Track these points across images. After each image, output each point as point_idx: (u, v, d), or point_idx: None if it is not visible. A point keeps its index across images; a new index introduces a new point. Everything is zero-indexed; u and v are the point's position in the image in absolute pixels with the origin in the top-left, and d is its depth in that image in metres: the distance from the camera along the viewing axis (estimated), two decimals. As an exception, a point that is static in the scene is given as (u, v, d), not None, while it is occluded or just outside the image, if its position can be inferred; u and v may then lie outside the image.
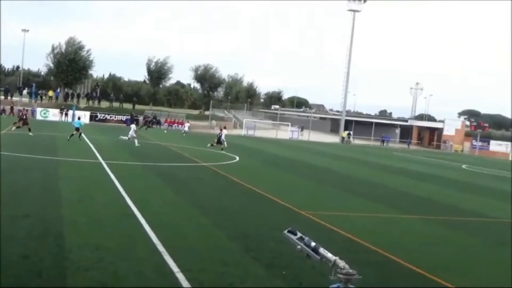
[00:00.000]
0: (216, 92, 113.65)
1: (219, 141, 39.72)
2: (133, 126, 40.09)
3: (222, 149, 38.21)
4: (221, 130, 42.75)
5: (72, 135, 36.05)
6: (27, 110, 45.69)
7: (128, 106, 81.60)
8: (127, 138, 37.85)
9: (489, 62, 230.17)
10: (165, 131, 62.52)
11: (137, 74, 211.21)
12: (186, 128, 60.25)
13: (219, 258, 10.48)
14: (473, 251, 13.54)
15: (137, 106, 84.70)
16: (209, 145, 39.35)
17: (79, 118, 44.28)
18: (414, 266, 11.07)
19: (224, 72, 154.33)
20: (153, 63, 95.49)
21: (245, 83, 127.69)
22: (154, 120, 71.34)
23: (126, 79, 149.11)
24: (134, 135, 38.07)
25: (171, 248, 10.56)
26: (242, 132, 75.06)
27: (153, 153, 32.63)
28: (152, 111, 78.39)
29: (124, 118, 69.64)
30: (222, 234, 12.64)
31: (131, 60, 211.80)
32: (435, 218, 17.98)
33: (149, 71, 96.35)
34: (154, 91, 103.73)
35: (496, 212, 20.83)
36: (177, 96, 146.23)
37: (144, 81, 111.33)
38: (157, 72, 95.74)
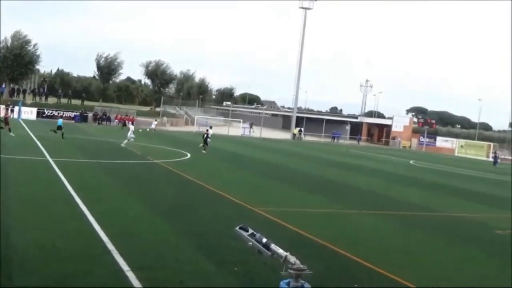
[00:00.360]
0: (167, 89, 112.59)
1: (206, 142, 38.90)
2: (131, 127, 39.79)
3: (204, 149, 38.01)
4: (207, 130, 42.45)
5: (55, 132, 38.10)
6: (10, 110, 45.74)
7: (77, 102, 79.87)
8: (127, 140, 37.18)
9: (435, 59, 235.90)
10: (140, 130, 61.38)
11: (87, 69, 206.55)
12: (153, 126, 60.36)
13: (170, 255, 10.41)
14: (418, 244, 13.88)
15: (86, 102, 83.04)
16: (201, 145, 38.70)
17: (61, 117, 47.36)
18: (362, 260, 11.28)
19: (176, 68, 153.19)
20: (103, 59, 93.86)
21: (196, 79, 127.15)
22: (104, 116, 70.18)
23: (75, 74, 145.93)
24: (133, 136, 37.88)
25: (121, 246, 10.42)
26: (194, 129, 74.72)
27: (103, 150, 32.10)
28: (102, 107, 77.01)
29: (73, 114, 68.21)
30: (173, 231, 12.56)
31: (80, 55, 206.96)
32: (383, 212, 18.36)
33: (99, 67, 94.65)
34: (104, 87, 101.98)
35: (442, 206, 21.41)
36: (127, 92, 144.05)
37: (94, 76, 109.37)
38: (107, 68, 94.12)
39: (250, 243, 4.35)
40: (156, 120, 65.28)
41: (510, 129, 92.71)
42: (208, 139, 39.09)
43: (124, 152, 32.89)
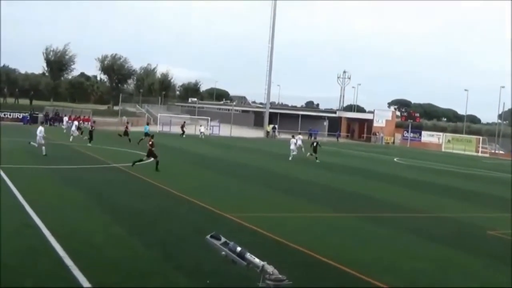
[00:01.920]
0: (126, 85, 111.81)
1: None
2: (297, 141, 42.15)
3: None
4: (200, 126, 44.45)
5: (142, 139, 43.72)
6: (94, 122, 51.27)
7: (24, 102, 78.72)
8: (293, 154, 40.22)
9: (417, 49, 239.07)
10: (184, 136, 62.70)
11: (36, 66, 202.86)
12: (203, 130, 62.63)
13: (136, 269, 10.36)
14: (403, 248, 14.06)
15: (36, 102, 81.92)
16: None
17: (148, 124, 52.29)
18: (344, 266, 11.39)
19: (135, 63, 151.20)
20: (52, 53, 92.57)
21: (158, 75, 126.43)
22: (56, 117, 69.32)
23: (22, 71, 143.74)
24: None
25: (81, 261, 10.34)
26: (157, 128, 74.29)
27: (57, 155, 31.71)
28: (54, 107, 76.06)
29: (21, 115, 67.26)
30: (138, 242, 12.50)
31: (27, 49, 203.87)
32: (365, 215, 18.53)
33: (48, 62, 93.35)
34: (55, 84, 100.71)
35: (427, 206, 21.71)
36: (82, 90, 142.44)
37: (43, 73, 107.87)
38: (57, 63, 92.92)
39: (223, 252, 4.38)
40: (202, 126, 67.58)
41: (499, 121, 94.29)
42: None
43: (81, 156, 32.56)
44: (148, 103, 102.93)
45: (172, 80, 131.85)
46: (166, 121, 77.42)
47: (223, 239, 4.52)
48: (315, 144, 41.89)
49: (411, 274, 11.62)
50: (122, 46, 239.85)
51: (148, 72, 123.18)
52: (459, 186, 30.60)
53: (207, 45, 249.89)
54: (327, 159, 44.05)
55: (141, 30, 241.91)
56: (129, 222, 14.66)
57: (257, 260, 4.24)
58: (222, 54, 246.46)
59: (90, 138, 41.39)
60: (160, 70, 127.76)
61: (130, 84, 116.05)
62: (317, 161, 39.55)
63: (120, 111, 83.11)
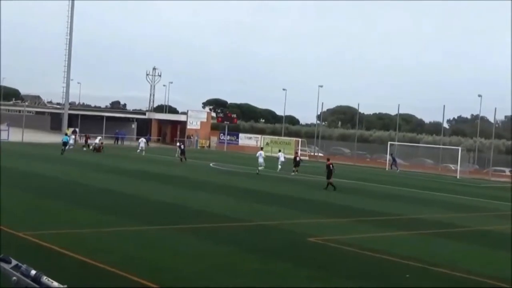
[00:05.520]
0: None
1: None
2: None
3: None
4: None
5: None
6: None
7: None
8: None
9: (229, 42, 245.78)
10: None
11: None
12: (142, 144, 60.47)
13: None
14: (223, 262, 14.32)
15: None
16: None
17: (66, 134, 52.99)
18: (158, 285, 11.34)
19: None
20: None
21: None
22: None
23: None
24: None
25: None
26: None
27: None
28: None
29: None
30: None
31: None
32: (183, 226, 18.68)
33: None
34: None
35: (246, 214, 22.39)
36: None
37: None
38: None
39: (15, 277, 4.10)
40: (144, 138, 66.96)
41: (318, 122, 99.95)
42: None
43: None
44: None
45: None
46: None
47: (14, 262, 4.21)
48: (298, 159, 47.48)
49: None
50: None
51: None
52: (277, 191, 31.90)
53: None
54: (135, 166, 43.70)
55: None
56: None
57: (55, 284, 4.00)
58: (10, 46, 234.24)
59: None
60: None
61: None
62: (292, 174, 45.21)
63: None
